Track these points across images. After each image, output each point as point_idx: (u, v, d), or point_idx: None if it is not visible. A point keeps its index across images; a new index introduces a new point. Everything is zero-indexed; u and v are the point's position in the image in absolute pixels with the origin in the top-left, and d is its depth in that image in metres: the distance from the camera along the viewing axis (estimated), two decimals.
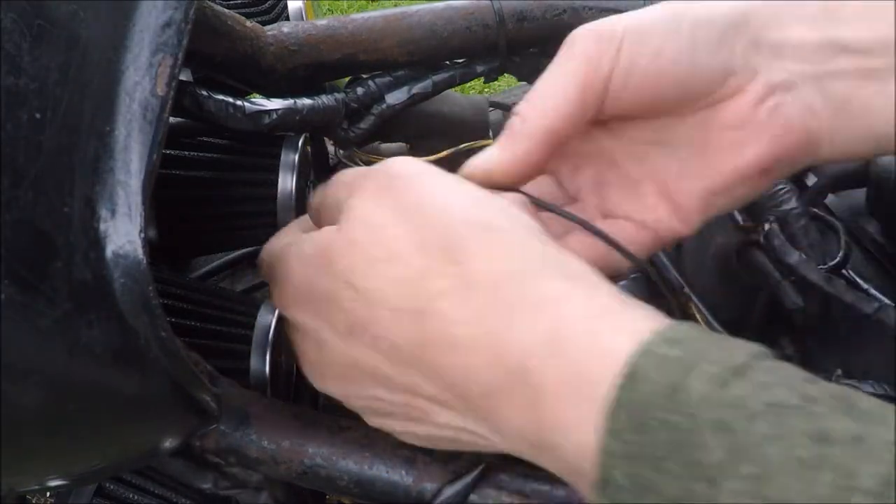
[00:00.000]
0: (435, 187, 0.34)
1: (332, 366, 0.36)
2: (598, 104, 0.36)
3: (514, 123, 0.37)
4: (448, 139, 0.61)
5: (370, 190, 0.35)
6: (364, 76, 0.54)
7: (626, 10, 0.54)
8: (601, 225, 0.39)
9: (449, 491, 0.39)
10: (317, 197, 0.41)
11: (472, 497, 0.39)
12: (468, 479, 0.39)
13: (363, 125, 0.53)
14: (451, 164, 0.62)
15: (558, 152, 0.38)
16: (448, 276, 0.31)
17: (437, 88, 0.55)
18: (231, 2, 0.63)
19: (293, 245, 0.38)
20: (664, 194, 0.39)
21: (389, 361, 0.33)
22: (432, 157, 0.58)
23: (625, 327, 0.28)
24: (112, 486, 0.48)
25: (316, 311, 0.35)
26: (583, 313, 0.29)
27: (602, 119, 0.38)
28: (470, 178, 0.37)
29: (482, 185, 0.36)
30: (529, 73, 0.58)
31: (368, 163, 0.59)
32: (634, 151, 0.40)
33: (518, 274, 0.31)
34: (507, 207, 0.34)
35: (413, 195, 0.34)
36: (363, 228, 0.33)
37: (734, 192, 0.38)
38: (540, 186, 0.41)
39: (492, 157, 0.37)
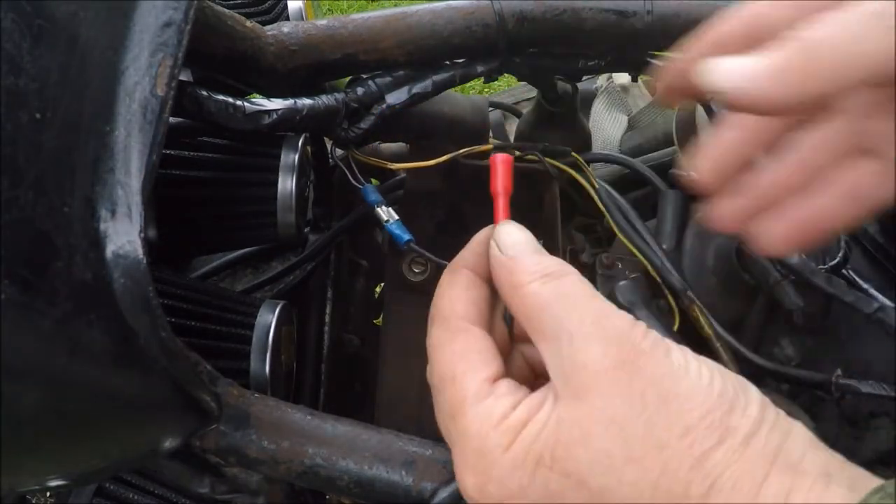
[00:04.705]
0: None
1: None
2: None
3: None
4: (448, 139, 0.61)
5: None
6: (364, 76, 0.54)
7: (625, 10, 0.55)
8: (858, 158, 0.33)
9: (447, 490, 0.39)
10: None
11: None
12: None
13: (363, 125, 0.53)
14: (452, 168, 0.63)
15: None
16: None
17: (437, 88, 0.55)
18: (231, 2, 0.63)
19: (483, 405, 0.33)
20: None
21: None
22: (433, 162, 0.58)
23: None
24: (112, 486, 0.48)
25: None
26: None
27: None
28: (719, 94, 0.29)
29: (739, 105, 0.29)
30: (529, 73, 0.58)
31: (367, 163, 0.59)
32: None
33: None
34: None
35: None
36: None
37: None
38: None
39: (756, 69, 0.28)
